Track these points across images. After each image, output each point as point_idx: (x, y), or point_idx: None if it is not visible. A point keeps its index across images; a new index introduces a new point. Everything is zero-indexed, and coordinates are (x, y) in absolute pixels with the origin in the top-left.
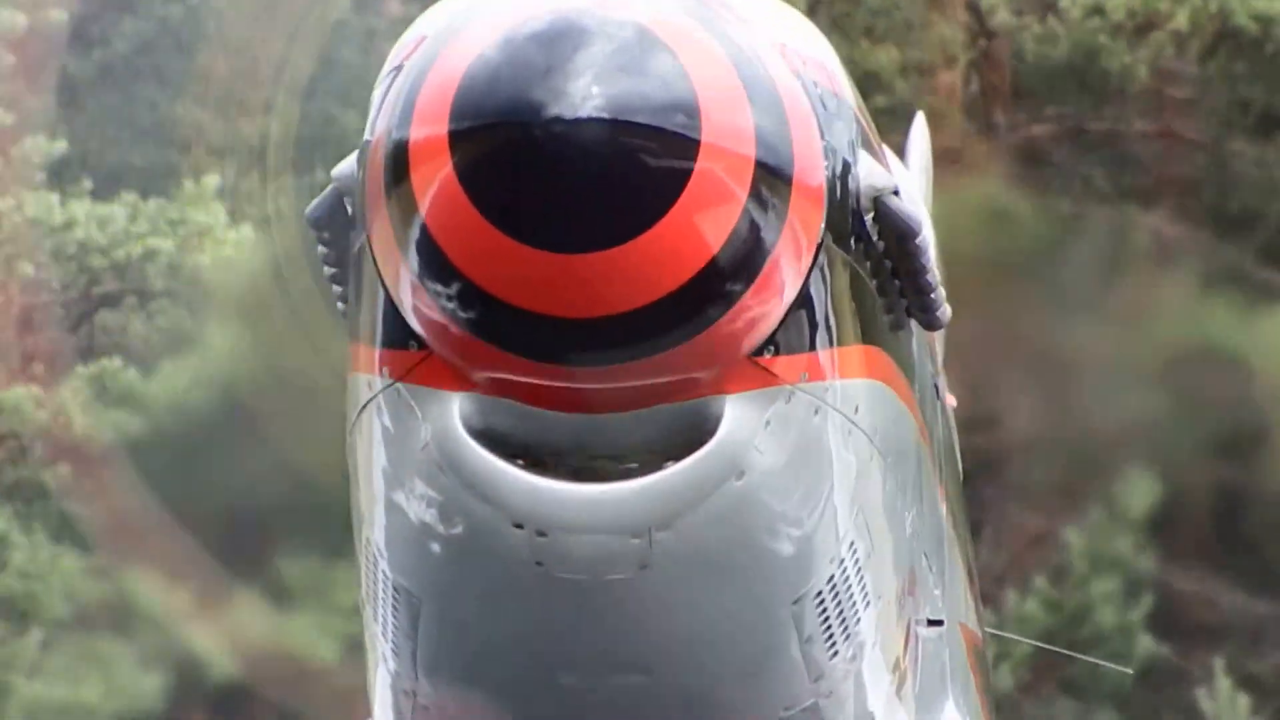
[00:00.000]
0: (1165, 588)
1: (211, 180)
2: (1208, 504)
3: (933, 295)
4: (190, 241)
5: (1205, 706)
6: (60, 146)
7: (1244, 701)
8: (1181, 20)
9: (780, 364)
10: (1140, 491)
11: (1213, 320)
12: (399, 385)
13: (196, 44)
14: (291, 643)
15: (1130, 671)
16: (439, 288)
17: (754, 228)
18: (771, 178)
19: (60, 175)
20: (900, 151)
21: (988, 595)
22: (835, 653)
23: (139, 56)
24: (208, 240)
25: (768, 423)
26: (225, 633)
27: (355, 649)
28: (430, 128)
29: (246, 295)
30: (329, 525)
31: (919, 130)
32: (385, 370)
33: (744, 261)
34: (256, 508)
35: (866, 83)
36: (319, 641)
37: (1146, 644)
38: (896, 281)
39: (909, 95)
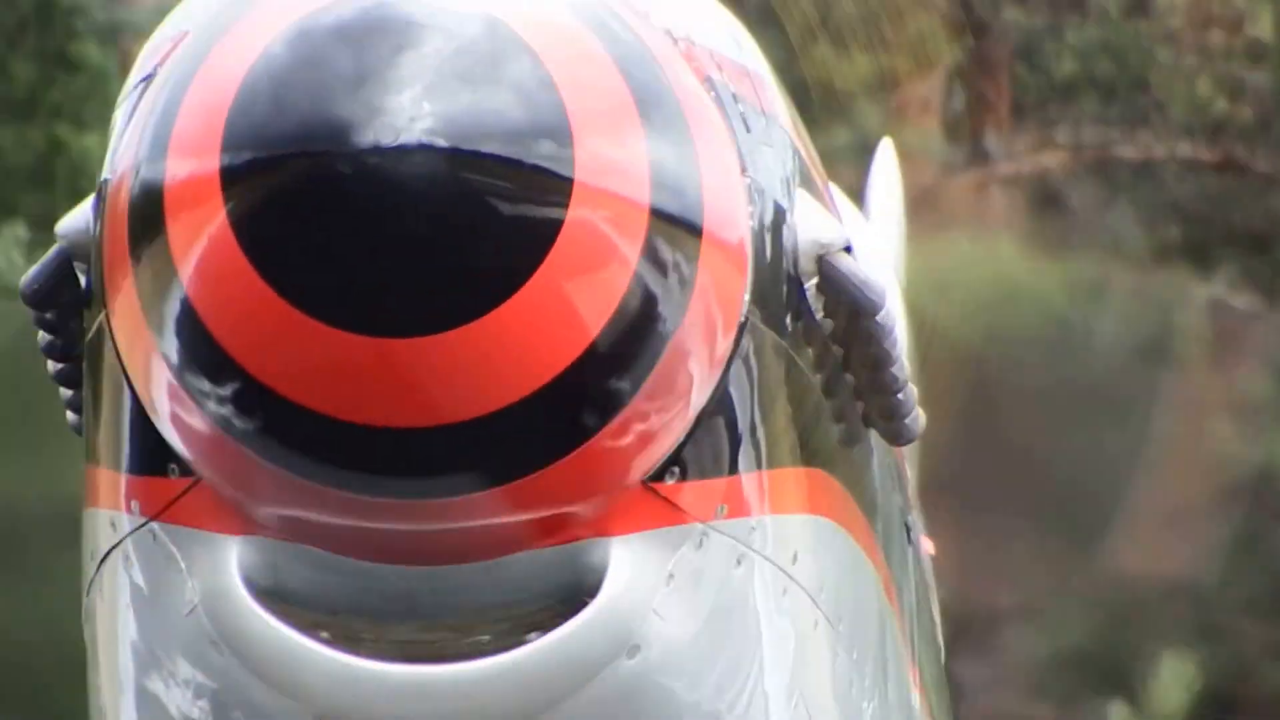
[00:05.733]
0: None
1: None
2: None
3: (900, 395)
4: None
5: None
6: None
7: None
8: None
9: (688, 493)
10: (1176, 680)
11: None
12: (154, 525)
13: None
14: None
15: None
16: (206, 385)
17: (649, 300)
18: (673, 230)
19: None
20: (857, 194)
21: None
22: None
23: None
24: None
25: (671, 576)
26: None
27: None
28: (194, 161)
29: None
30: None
31: (884, 162)
32: (135, 505)
33: (635, 349)
34: None
35: (810, 98)
36: None
37: None
38: (849, 376)
39: (870, 115)
